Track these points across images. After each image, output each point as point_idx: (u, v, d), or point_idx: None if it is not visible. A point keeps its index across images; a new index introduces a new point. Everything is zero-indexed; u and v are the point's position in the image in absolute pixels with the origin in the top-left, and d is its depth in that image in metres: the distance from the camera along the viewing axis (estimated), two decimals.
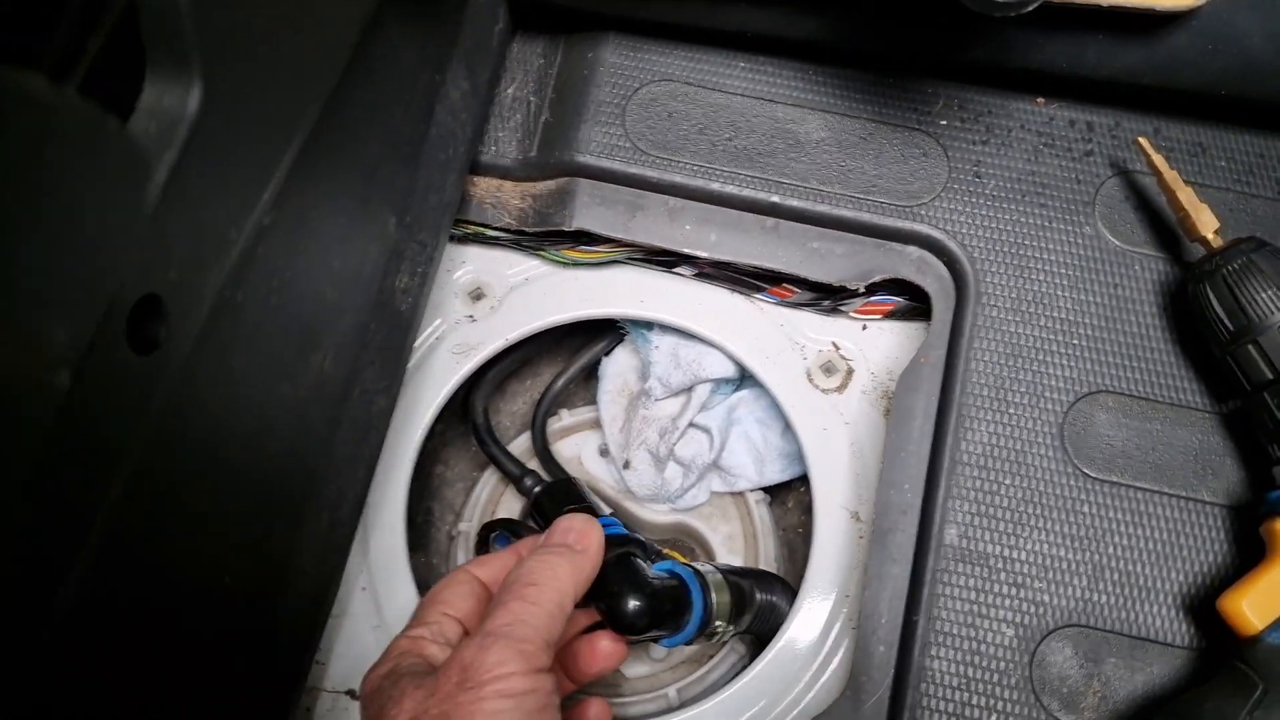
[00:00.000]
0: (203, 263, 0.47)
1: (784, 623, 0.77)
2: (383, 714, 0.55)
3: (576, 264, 0.85)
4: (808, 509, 0.94)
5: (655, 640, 0.70)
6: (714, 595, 0.72)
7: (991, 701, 0.71)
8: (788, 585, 0.80)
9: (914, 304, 0.83)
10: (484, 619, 0.57)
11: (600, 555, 0.64)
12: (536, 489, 0.87)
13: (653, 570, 0.69)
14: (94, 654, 0.48)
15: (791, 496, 0.99)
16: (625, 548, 0.68)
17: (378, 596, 0.80)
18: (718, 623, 0.72)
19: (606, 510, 0.77)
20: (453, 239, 0.85)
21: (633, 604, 0.65)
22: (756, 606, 0.77)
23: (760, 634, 0.79)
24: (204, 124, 0.45)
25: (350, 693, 0.77)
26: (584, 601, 0.64)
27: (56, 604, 0.44)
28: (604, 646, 0.67)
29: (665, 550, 0.76)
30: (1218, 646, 0.70)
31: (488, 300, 0.86)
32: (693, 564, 0.74)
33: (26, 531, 0.40)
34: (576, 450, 0.97)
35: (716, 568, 0.76)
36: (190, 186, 0.45)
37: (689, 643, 0.71)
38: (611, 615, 0.65)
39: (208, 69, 0.45)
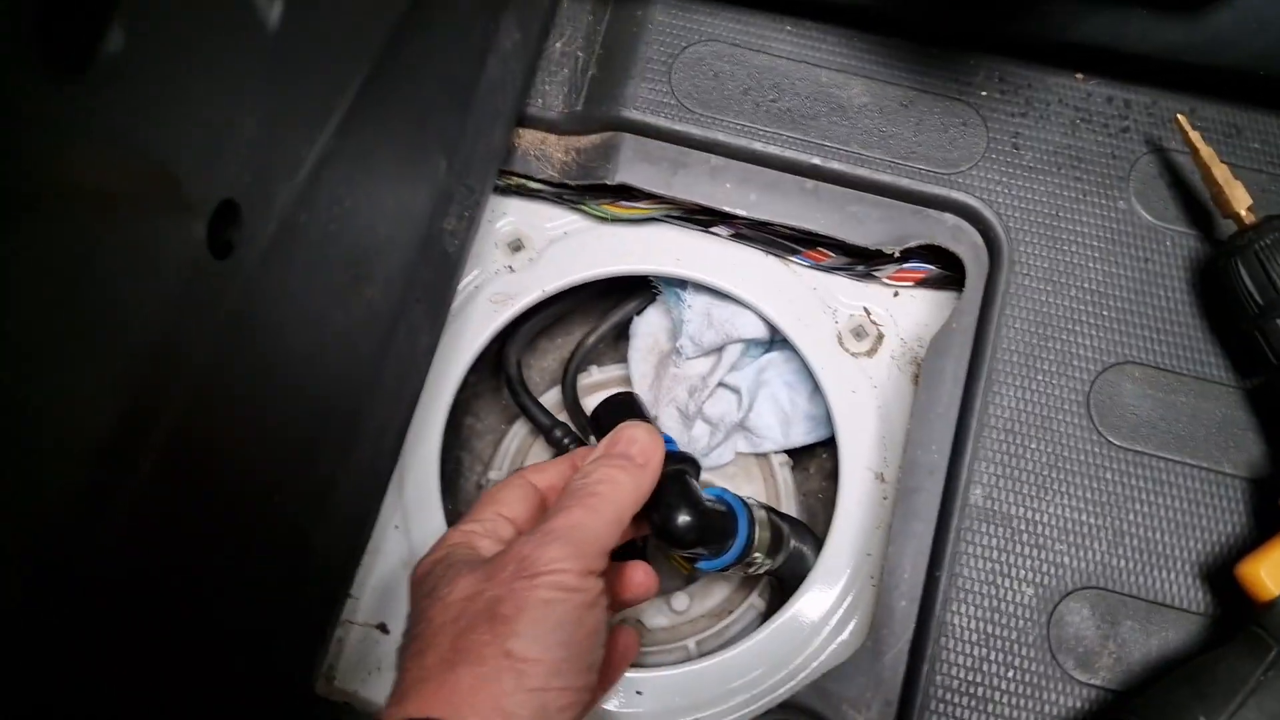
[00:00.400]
0: (276, 174, 0.49)
1: (808, 573, 0.78)
2: (434, 593, 0.57)
3: (616, 219, 0.87)
4: (829, 475, 0.95)
5: (695, 561, 0.72)
6: (757, 527, 0.73)
7: (1009, 657, 0.72)
8: (816, 538, 0.81)
9: (946, 273, 0.84)
10: (544, 520, 0.59)
11: (659, 472, 0.65)
12: (591, 412, 0.88)
13: (704, 493, 0.71)
14: (151, 546, 0.50)
15: (813, 462, 1.00)
16: (680, 465, 0.70)
17: (410, 535, 0.81)
18: (756, 554, 0.74)
19: (668, 407, 0.77)
20: (496, 190, 0.87)
21: (683, 519, 0.66)
22: (789, 550, 0.79)
23: (787, 580, 0.81)
24: (284, 36, 0.46)
25: (381, 626, 0.79)
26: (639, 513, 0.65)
27: (121, 494, 0.46)
28: (638, 576, 0.68)
29: None
30: (1233, 613, 0.72)
31: (526, 252, 0.88)
32: (740, 496, 0.75)
33: (104, 411, 0.42)
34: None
35: (760, 505, 0.77)
36: (268, 98, 0.46)
37: (725, 569, 0.73)
38: (662, 527, 0.67)
39: None
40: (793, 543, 0.79)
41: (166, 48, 0.36)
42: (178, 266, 0.42)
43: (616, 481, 0.62)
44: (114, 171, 0.35)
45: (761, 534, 0.74)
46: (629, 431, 0.65)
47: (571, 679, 0.54)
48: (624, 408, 0.74)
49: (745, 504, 0.74)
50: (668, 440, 0.72)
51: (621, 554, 0.73)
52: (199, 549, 0.55)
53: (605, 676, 0.68)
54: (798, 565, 0.80)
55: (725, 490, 0.75)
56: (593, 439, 0.76)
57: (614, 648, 0.69)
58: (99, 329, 0.38)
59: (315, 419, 0.64)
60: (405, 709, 0.52)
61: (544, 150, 0.86)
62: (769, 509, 0.78)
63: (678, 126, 0.84)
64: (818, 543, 0.81)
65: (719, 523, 0.70)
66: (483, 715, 0.51)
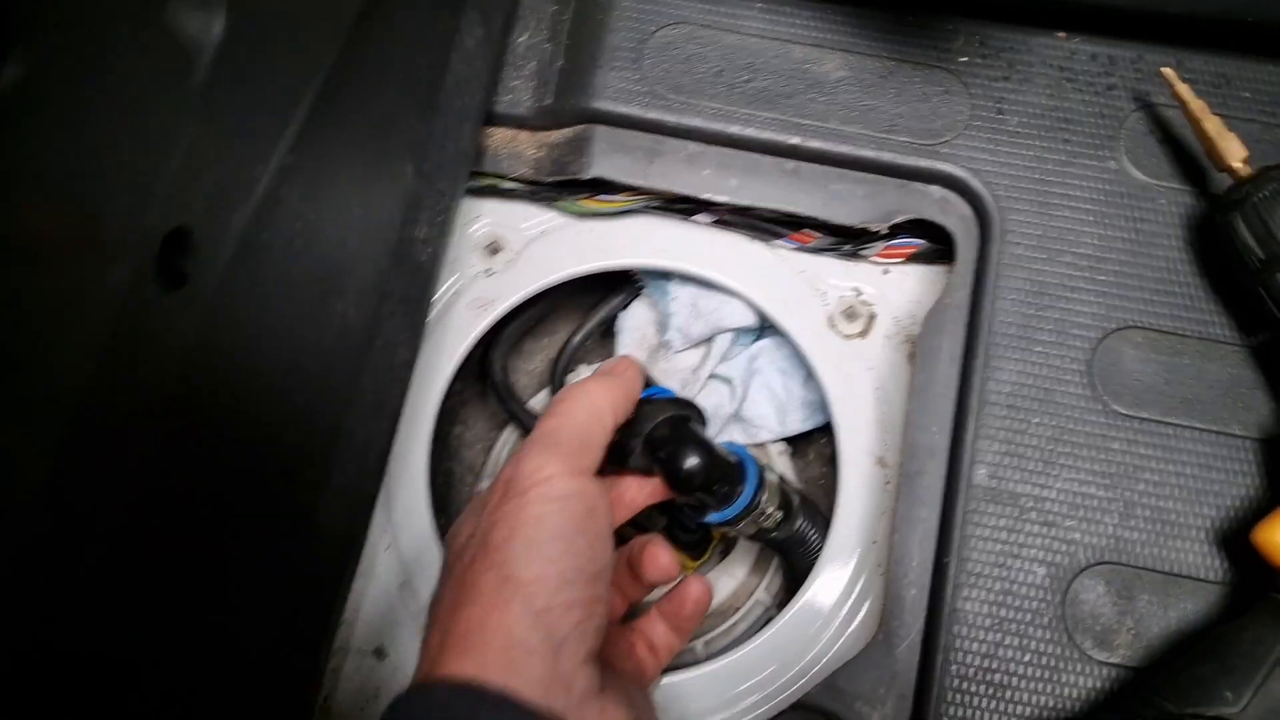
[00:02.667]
0: (229, 197, 0.47)
1: (815, 563, 0.76)
2: (450, 543, 0.56)
3: (594, 214, 0.84)
4: (829, 461, 0.93)
5: (704, 510, 0.70)
6: (767, 477, 0.72)
7: (1025, 641, 0.70)
8: (824, 519, 0.79)
9: (935, 246, 0.82)
10: None
11: (638, 382, 0.64)
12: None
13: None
14: (118, 589, 0.47)
15: (812, 449, 0.98)
16: (685, 410, 0.68)
17: (402, 555, 0.79)
18: (767, 505, 0.72)
19: (679, 345, 0.76)
20: (469, 192, 0.84)
21: (691, 458, 0.65)
22: (798, 522, 0.77)
23: (795, 564, 0.79)
24: (227, 52, 0.44)
25: (378, 651, 0.77)
26: (644, 459, 0.65)
27: (86, 555, 0.43)
28: (660, 555, 0.66)
29: None
30: (1252, 580, 0.70)
31: (505, 254, 0.85)
32: None
33: (61, 472, 0.40)
34: None
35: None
36: (216, 115, 0.44)
37: (735, 521, 0.71)
38: (669, 468, 0.65)
39: None
40: (800, 517, 0.77)
41: (79, 75, 0.33)
42: (118, 306, 0.40)
43: (584, 386, 0.61)
44: (28, 214, 0.32)
45: (770, 487, 0.72)
46: (604, 363, 0.66)
47: (579, 591, 0.52)
48: None
49: (753, 457, 0.72)
50: (667, 390, 0.71)
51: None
52: (176, 587, 0.53)
53: (676, 626, 0.67)
54: (805, 547, 0.77)
55: (733, 442, 0.74)
56: None
57: (684, 597, 0.67)
58: (21, 385, 0.35)
59: (292, 442, 0.62)
60: (424, 670, 0.51)
61: (515, 148, 0.83)
62: (777, 474, 0.77)
63: (651, 114, 0.81)
64: (825, 521, 0.79)
65: (727, 467, 0.69)
66: (495, 652, 0.49)
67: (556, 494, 0.53)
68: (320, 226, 0.59)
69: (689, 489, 0.66)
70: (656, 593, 0.70)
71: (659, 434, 0.65)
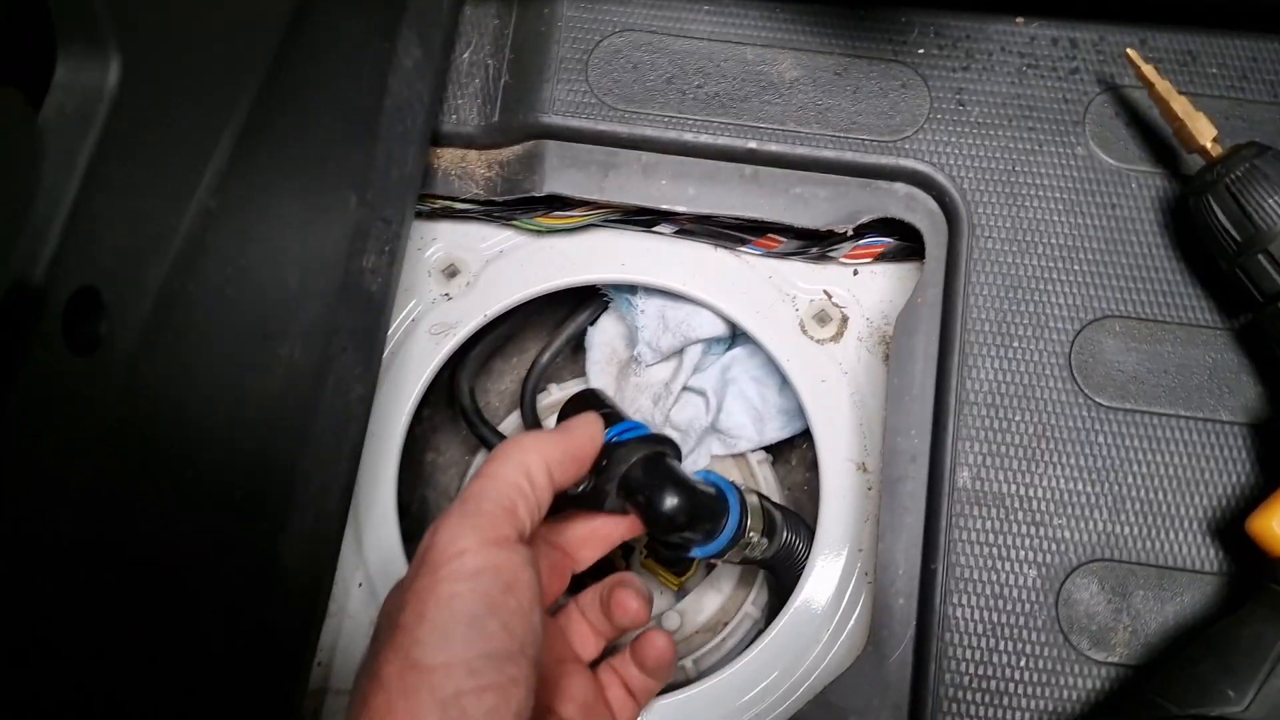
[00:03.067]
0: (141, 251, 0.44)
1: (802, 574, 0.74)
2: (378, 616, 0.54)
3: (551, 230, 0.82)
4: (812, 465, 0.91)
5: (687, 547, 0.67)
6: (749, 504, 0.70)
7: (1019, 645, 0.68)
8: (809, 527, 0.77)
9: (905, 244, 0.80)
10: None
11: (590, 435, 0.61)
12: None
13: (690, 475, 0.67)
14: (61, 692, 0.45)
15: (794, 454, 0.96)
16: (659, 448, 0.65)
17: (375, 591, 0.77)
18: (751, 533, 0.70)
19: (633, 417, 0.74)
20: (420, 215, 0.82)
21: (670, 500, 0.62)
22: (783, 540, 0.75)
23: (783, 576, 0.77)
24: (126, 101, 0.41)
25: None
26: (620, 502, 0.62)
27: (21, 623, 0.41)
28: (626, 599, 0.64)
29: None
30: (1248, 570, 0.68)
31: (463, 276, 0.83)
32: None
33: None
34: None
35: (747, 489, 0.73)
36: (118, 169, 0.41)
37: (721, 554, 0.69)
38: (649, 511, 0.63)
39: (125, 42, 0.41)
40: (786, 533, 0.75)
41: None
42: (30, 369, 0.37)
43: (521, 442, 0.57)
44: None
45: (753, 512, 0.70)
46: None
47: (490, 675, 0.49)
48: (584, 404, 0.70)
49: (731, 483, 0.71)
50: (638, 426, 0.68)
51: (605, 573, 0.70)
52: (131, 653, 0.51)
53: (647, 673, 0.65)
54: (791, 559, 0.75)
55: (709, 472, 0.72)
56: None
57: (645, 652, 0.65)
58: None
59: (244, 493, 0.59)
60: None
61: (465, 168, 0.81)
62: (756, 493, 0.75)
63: (602, 126, 0.79)
64: (810, 532, 0.76)
65: (708, 502, 0.67)
66: None
67: (469, 570, 0.50)
68: (255, 269, 0.56)
69: (671, 530, 0.64)
70: None
71: (634, 476, 0.63)
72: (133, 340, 0.44)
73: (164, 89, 0.45)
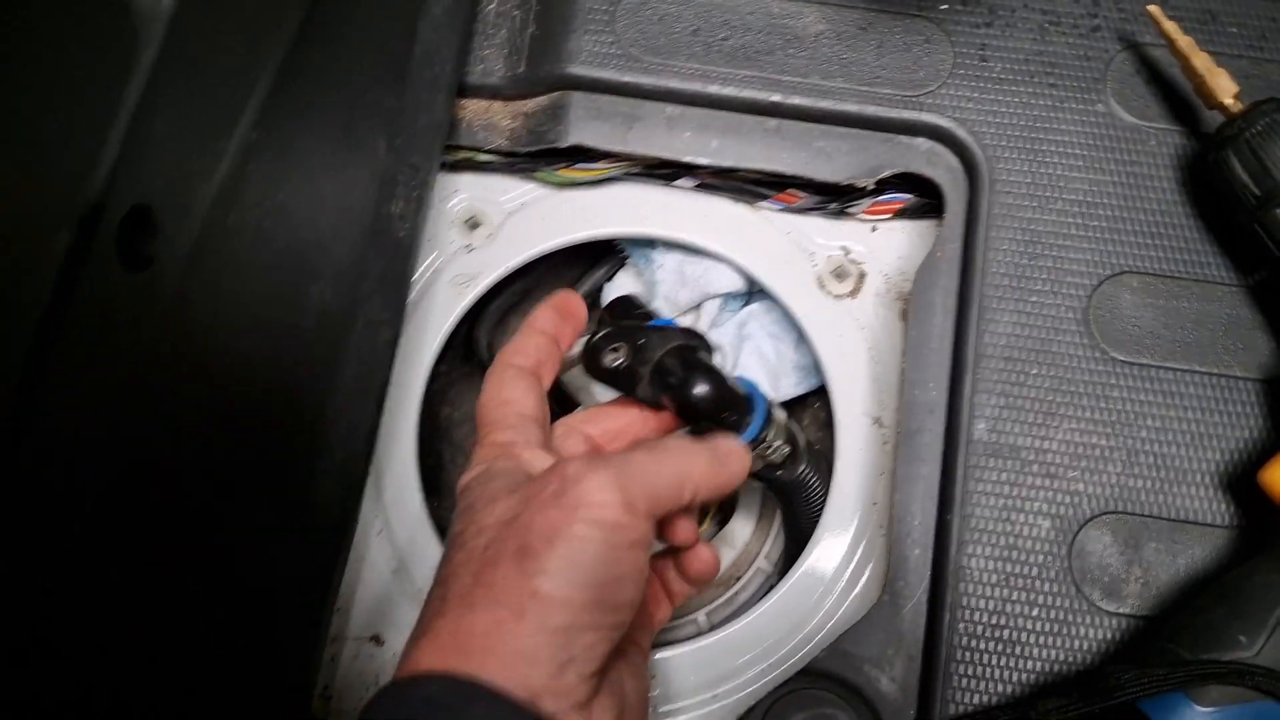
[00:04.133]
0: (191, 175, 0.45)
1: (817, 517, 0.75)
2: (471, 512, 0.54)
3: (574, 183, 0.82)
4: (825, 424, 0.91)
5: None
6: (775, 414, 0.70)
7: (1032, 595, 0.69)
8: (829, 469, 0.78)
9: (924, 200, 0.80)
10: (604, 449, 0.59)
11: (743, 476, 0.63)
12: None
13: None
14: (108, 592, 0.46)
15: (807, 413, 0.96)
16: (693, 340, 0.67)
17: (394, 539, 0.78)
18: (774, 440, 0.70)
19: (667, 314, 0.75)
20: (444, 167, 0.82)
21: (700, 385, 0.63)
22: (802, 469, 0.75)
23: (799, 516, 0.77)
24: (180, 22, 0.42)
25: (375, 638, 0.75)
26: (652, 389, 0.64)
27: (63, 542, 0.42)
28: (704, 552, 0.65)
29: None
30: (1259, 523, 0.69)
31: (485, 228, 0.83)
32: None
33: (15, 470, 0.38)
34: (585, 379, 0.95)
35: None
36: (171, 92, 0.42)
37: None
38: (679, 394, 0.64)
39: None
40: (805, 460, 0.75)
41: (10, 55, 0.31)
42: (71, 278, 0.38)
43: (690, 448, 0.59)
44: None
45: (778, 424, 0.71)
46: (725, 443, 0.64)
47: (600, 617, 0.51)
48: (625, 310, 0.73)
49: (760, 391, 0.71)
50: (669, 322, 0.70)
51: None
52: (166, 576, 0.52)
53: (686, 579, 0.66)
54: (810, 490, 0.76)
55: (742, 375, 0.72)
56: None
57: (689, 568, 0.66)
58: None
59: (279, 425, 0.60)
60: (418, 659, 0.49)
61: (489, 119, 0.81)
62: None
63: (627, 78, 0.79)
64: (829, 470, 0.77)
65: (735, 396, 0.67)
66: (500, 659, 0.48)
67: (606, 520, 0.51)
68: (291, 206, 0.57)
69: (698, 416, 0.65)
70: None
71: (668, 362, 0.64)
72: (181, 263, 0.45)
73: (214, 16, 0.45)
